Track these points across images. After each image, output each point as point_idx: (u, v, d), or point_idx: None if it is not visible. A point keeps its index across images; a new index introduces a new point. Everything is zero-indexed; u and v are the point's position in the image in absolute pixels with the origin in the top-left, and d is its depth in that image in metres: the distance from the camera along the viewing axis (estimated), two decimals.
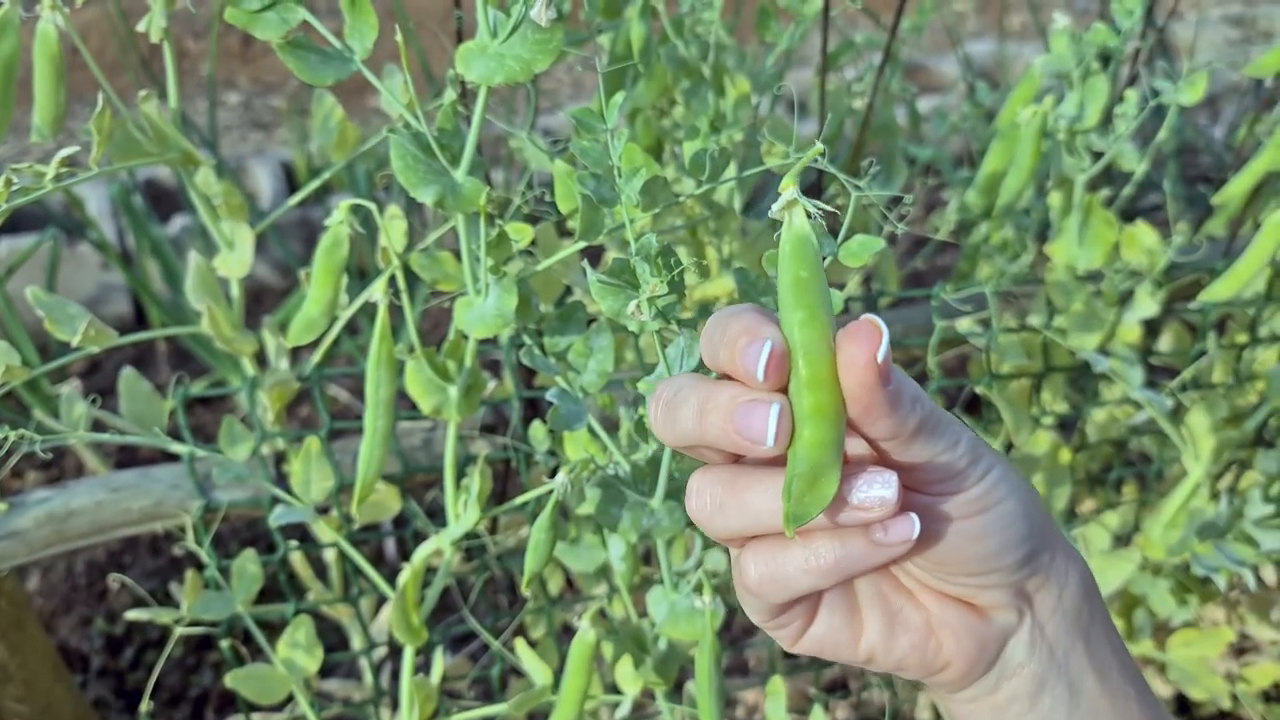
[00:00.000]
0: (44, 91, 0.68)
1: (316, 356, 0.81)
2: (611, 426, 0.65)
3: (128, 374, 0.78)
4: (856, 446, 0.38)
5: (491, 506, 0.71)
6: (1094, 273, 0.92)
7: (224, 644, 0.79)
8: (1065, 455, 0.93)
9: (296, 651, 0.74)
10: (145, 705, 0.86)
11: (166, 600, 1.25)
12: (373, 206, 0.64)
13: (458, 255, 0.60)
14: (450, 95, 0.57)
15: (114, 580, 1.32)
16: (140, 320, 1.77)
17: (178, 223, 1.75)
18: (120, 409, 0.77)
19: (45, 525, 0.79)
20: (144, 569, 1.35)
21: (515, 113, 0.93)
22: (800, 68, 2.08)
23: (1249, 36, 2.79)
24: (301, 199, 0.81)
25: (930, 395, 0.44)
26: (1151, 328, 1.04)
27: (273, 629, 0.77)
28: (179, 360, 1.68)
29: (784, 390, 0.34)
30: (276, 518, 0.74)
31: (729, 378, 0.36)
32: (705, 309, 0.90)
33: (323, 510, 0.80)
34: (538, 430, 0.71)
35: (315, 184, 0.82)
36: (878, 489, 0.35)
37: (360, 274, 1.54)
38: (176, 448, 0.75)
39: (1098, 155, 0.89)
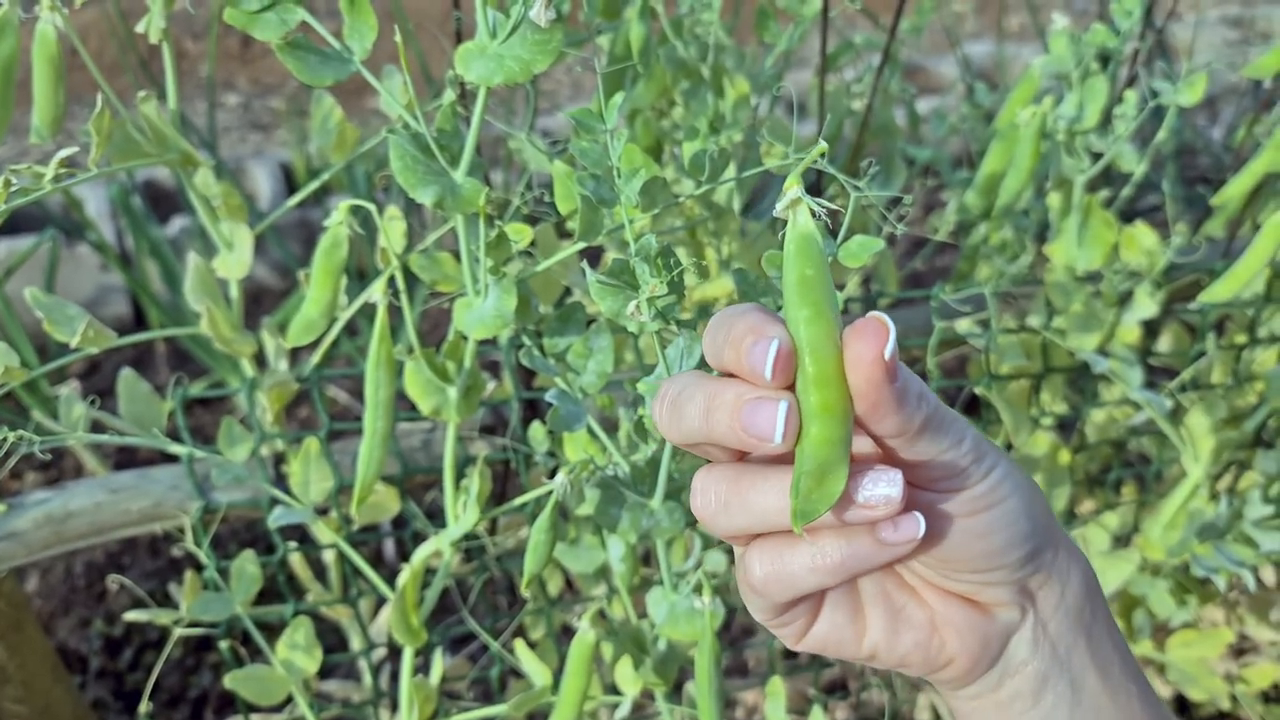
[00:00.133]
0: (43, 92, 0.67)
1: (315, 357, 0.81)
2: (611, 427, 0.65)
3: (127, 375, 0.78)
4: (861, 446, 0.38)
5: (491, 507, 0.71)
6: (1093, 273, 0.92)
7: (223, 645, 0.79)
8: (1064, 456, 0.93)
9: (296, 652, 0.74)
10: (144, 706, 0.86)
11: (165, 601, 1.25)
12: (372, 207, 0.64)
13: (457, 256, 0.60)
14: (449, 96, 0.57)
15: (113, 581, 1.32)
16: (139, 321, 1.77)
17: (177, 224, 1.75)
18: (119, 410, 0.77)
19: (44, 526, 0.79)
20: (143, 570, 1.35)
21: (514, 114, 0.93)
22: (799, 69, 2.08)
23: (1247, 37, 2.79)
24: (300, 200, 0.81)
25: None
26: (1151, 328, 1.04)
27: (272, 630, 0.77)
28: (178, 361, 1.68)
29: (790, 388, 0.34)
30: (275, 519, 0.74)
31: (733, 377, 0.36)
32: (704, 310, 0.90)
33: (322, 511, 0.80)
34: (537, 431, 0.71)
35: (314, 185, 0.82)
36: (883, 487, 0.35)
37: (359, 275, 1.54)
38: (175, 449, 0.75)
39: (1097, 156, 0.89)
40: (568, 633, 0.78)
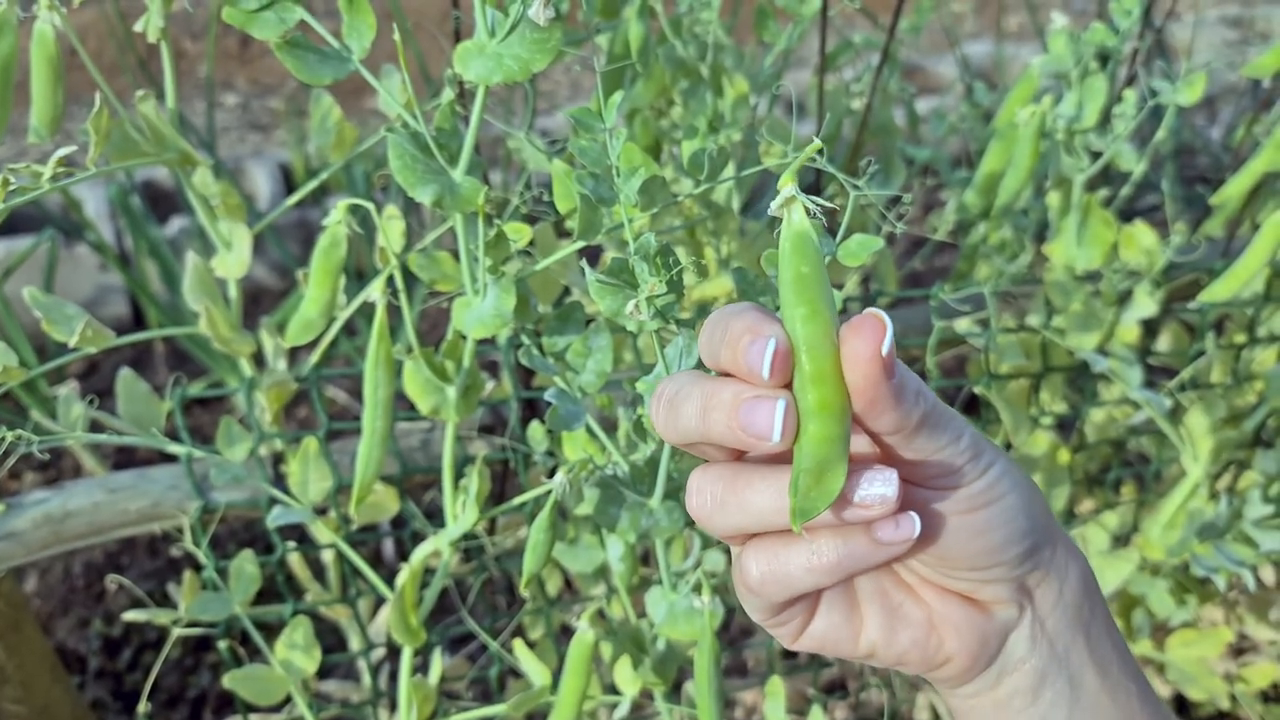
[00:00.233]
0: (41, 92, 0.67)
1: (314, 357, 0.81)
2: (610, 427, 0.64)
3: (125, 375, 0.78)
4: (858, 445, 0.38)
5: (490, 507, 0.71)
6: (1092, 273, 0.92)
7: (222, 645, 0.79)
8: (1064, 455, 0.93)
9: (294, 652, 0.74)
10: (143, 706, 0.86)
11: (164, 601, 1.25)
12: (371, 207, 0.63)
13: (456, 255, 0.60)
14: (448, 95, 0.57)
15: (111, 581, 1.32)
16: (138, 321, 1.77)
17: (176, 224, 1.75)
18: (118, 410, 0.77)
19: (43, 526, 0.78)
20: (142, 570, 1.35)
21: (513, 113, 0.93)
22: (798, 68, 2.08)
23: (1246, 37, 2.79)
24: (299, 199, 0.81)
25: None
26: (1150, 328, 1.04)
27: (271, 630, 0.77)
28: (177, 361, 1.68)
29: (788, 386, 0.34)
30: (274, 519, 0.74)
31: (729, 376, 0.35)
32: (703, 309, 0.90)
33: (321, 511, 0.80)
34: (536, 431, 0.71)
35: (313, 184, 0.81)
36: (879, 486, 0.35)
37: (358, 275, 1.54)
38: (174, 449, 0.75)
39: (1096, 155, 0.89)
40: (567, 632, 0.78)
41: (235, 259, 0.78)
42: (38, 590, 1.33)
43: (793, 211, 0.35)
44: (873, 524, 0.36)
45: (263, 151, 2.34)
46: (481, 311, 0.58)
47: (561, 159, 0.71)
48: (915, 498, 0.37)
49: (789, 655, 1.13)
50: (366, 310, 0.71)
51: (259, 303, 1.77)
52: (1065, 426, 1.06)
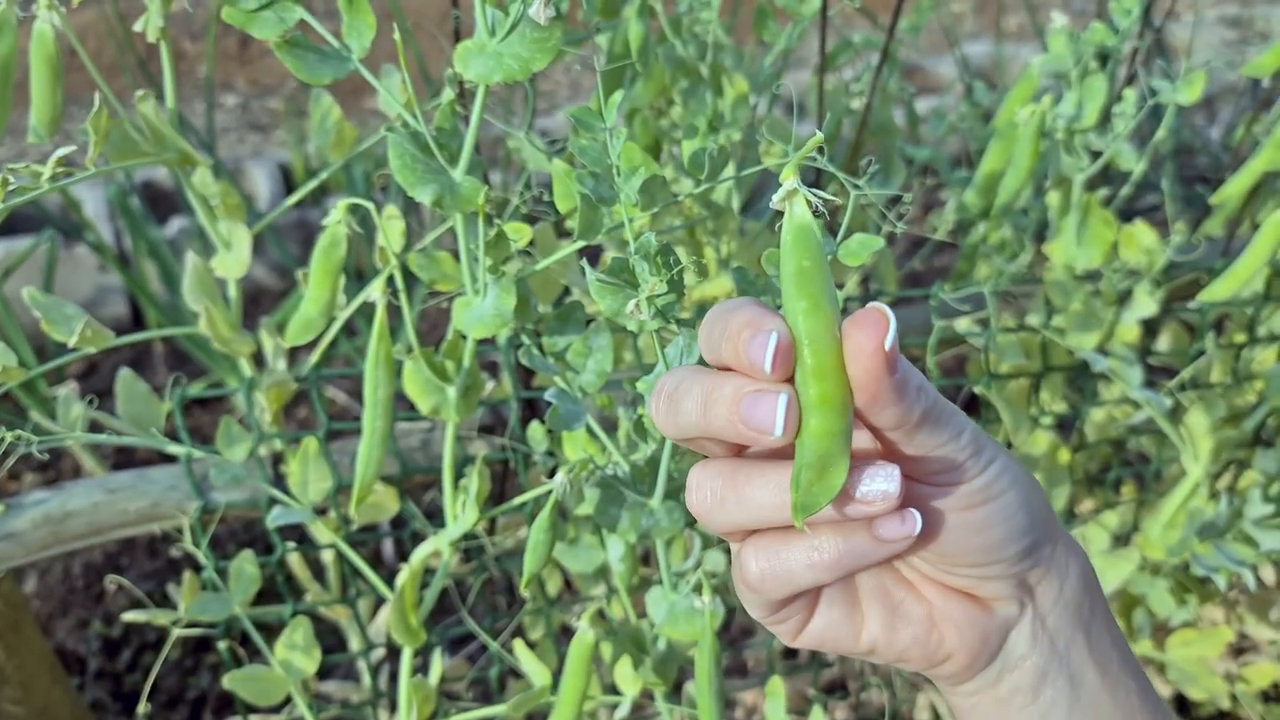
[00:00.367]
0: (41, 92, 0.67)
1: (314, 357, 0.81)
2: (610, 427, 0.64)
3: (125, 375, 0.78)
4: (859, 441, 0.38)
5: (490, 507, 0.71)
6: (1092, 272, 0.92)
7: (222, 645, 0.79)
8: (1064, 455, 0.93)
9: (294, 653, 0.74)
10: (143, 707, 0.86)
11: (164, 602, 1.25)
12: (370, 207, 0.63)
13: (456, 255, 0.60)
14: (448, 94, 0.57)
15: (111, 582, 1.32)
16: (137, 322, 1.76)
17: (175, 224, 1.75)
18: (117, 410, 0.77)
19: (42, 527, 0.78)
20: (141, 571, 1.35)
21: (513, 113, 0.93)
22: (798, 68, 2.08)
23: (1246, 37, 2.79)
24: (299, 199, 0.81)
25: None
26: (1150, 327, 1.04)
27: (271, 630, 0.77)
28: (176, 361, 1.68)
29: (789, 381, 0.34)
30: (274, 519, 0.74)
31: (730, 371, 0.35)
32: (704, 309, 0.90)
33: (321, 511, 0.80)
34: (536, 431, 0.71)
35: (312, 184, 0.81)
36: (880, 483, 0.35)
37: (358, 275, 1.54)
38: (174, 449, 0.75)
39: (1096, 155, 0.89)
40: (567, 633, 0.78)
41: (235, 259, 0.78)
42: (37, 591, 1.33)
43: (794, 205, 0.35)
44: (874, 520, 0.36)
45: (262, 152, 2.34)
46: (481, 311, 0.58)
47: (561, 159, 0.71)
48: (916, 494, 0.37)
49: (789, 655, 1.13)
50: (366, 310, 0.71)
51: (259, 303, 1.77)
52: (1065, 426, 1.06)
